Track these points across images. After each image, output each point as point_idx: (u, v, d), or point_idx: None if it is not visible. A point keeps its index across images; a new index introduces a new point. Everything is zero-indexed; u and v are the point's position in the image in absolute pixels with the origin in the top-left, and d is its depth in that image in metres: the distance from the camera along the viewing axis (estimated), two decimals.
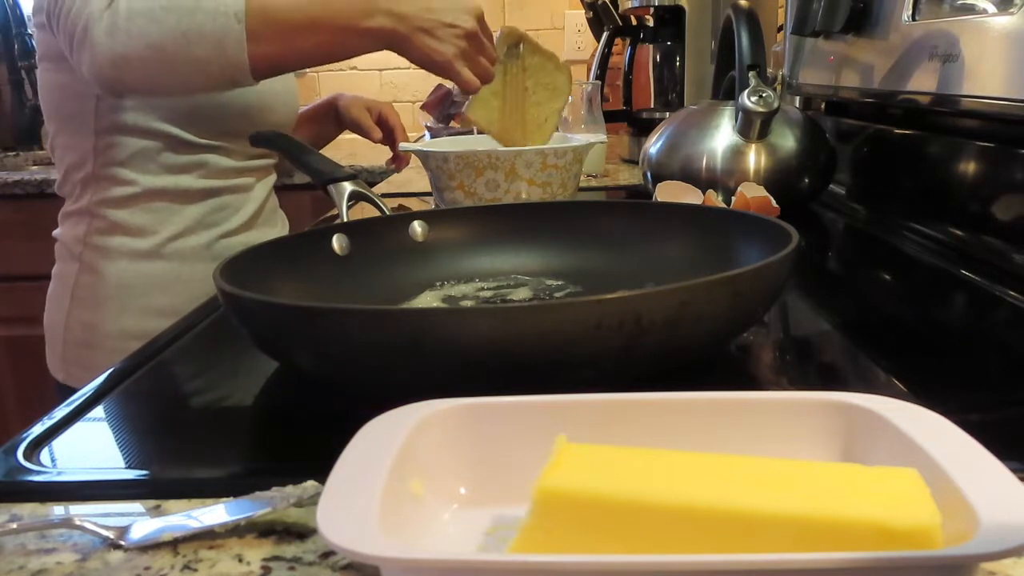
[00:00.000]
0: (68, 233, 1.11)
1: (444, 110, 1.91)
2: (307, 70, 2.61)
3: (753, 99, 0.98)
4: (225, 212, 1.13)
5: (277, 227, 1.24)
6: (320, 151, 1.36)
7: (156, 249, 1.08)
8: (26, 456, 0.45)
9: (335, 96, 1.41)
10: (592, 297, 0.44)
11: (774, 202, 0.90)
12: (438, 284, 0.71)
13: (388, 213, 0.80)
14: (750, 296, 0.50)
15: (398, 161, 1.44)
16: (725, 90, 1.11)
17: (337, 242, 0.69)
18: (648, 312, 0.44)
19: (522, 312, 0.45)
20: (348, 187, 0.83)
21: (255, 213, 1.17)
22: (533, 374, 0.44)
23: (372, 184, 1.66)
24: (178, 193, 1.08)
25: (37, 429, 0.49)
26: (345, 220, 0.80)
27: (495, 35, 1.03)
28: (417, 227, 0.74)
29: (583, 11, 1.84)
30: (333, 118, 1.40)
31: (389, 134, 1.39)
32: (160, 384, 0.59)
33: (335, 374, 0.50)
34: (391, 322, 0.45)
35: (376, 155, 2.20)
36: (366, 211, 0.84)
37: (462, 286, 0.71)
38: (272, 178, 1.24)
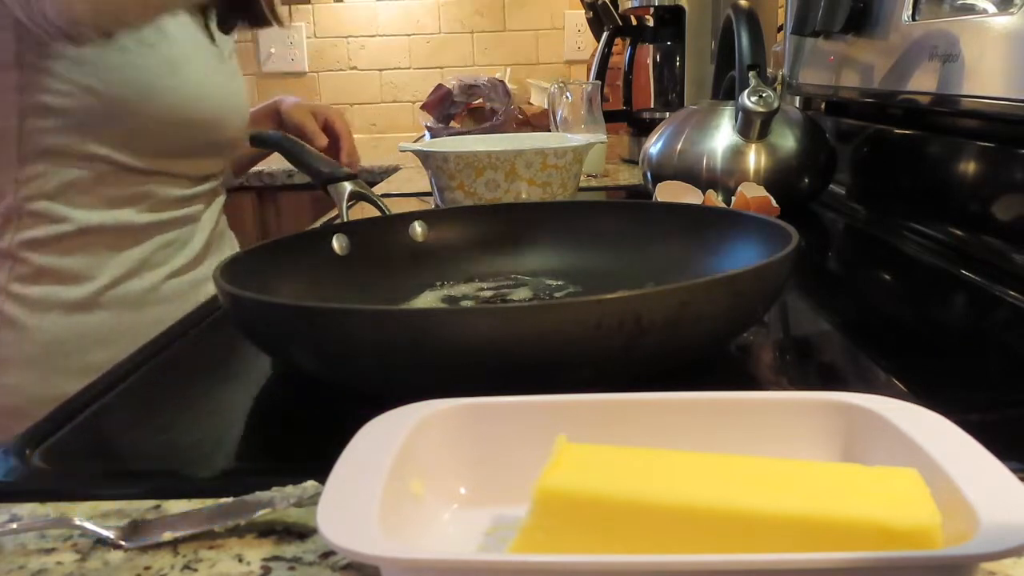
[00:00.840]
0: None
1: (444, 110, 1.91)
2: (307, 71, 2.61)
3: (753, 99, 0.98)
4: (171, 248, 0.98)
5: (226, 252, 1.09)
6: (265, 158, 1.31)
7: (93, 298, 0.92)
8: (26, 456, 0.45)
9: (277, 100, 1.29)
10: (592, 297, 0.44)
11: (774, 202, 0.90)
12: (438, 284, 0.71)
13: (388, 213, 0.80)
14: (750, 296, 0.50)
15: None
16: (725, 90, 1.11)
17: (337, 242, 0.69)
18: (648, 312, 0.44)
19: (522, 312, 0.45)
20: (348, 187, 0.83)
21: (205, 244, 1.04)
22: (533, 374, 0.44)
23: (372, 184, 1.67)
24: (118, 230, 0.93)
25: (37, 429, 0.49)
26: (345, 220, 0.80)
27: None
28: (417, 227, 0.74)
29: (583, 11, 1.85)
30: (276, 123, 1.26)
31: (335, 141, 1.27)
32: (160, 383, 0.59)
33: (336, 374, 0.50)
34: (392, 322, 0.45)
35: (376, 155, 2.20)
36: (367, 211, 0.84)
37: (462, 286, 0.71)
38: (221, 200, 1.11)
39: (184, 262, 1.00)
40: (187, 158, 0.98)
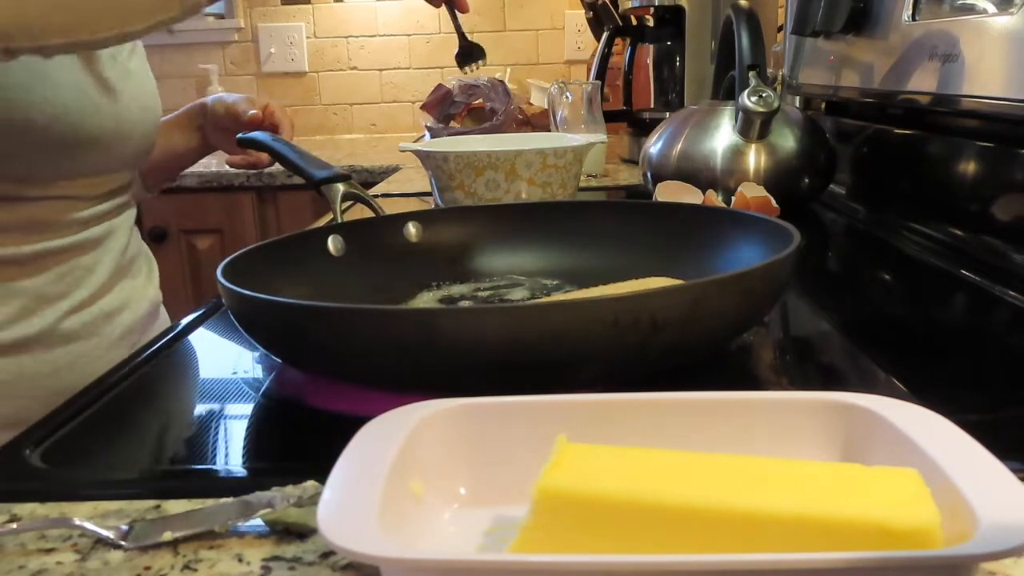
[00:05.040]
0: None
1: (444, 110, 1.91)
2: (307, 70, 2.61)
3: (753, 99, 0.98)
4: (74, 277, 0.82)
5: (141, 276, 0.94)
6: (193, 163, 1.12)
7: None
8: (26, 456, 0.45)
9: (202, 100, 1.08)
10: (610, 295, 0.44)
11: (774, 202, 0.90)
12: (434, 285, 0.71)
13: (382, 213, 0.80)
14: (759, 293, 0.50)
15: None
16: (725, 90, 1.11)
17: (332, 243, 0.69)
18: (663, 309, 0.45)
19: (539, 310, 0.45)
20: (341, 188, 0.82)
21: (115, 270, 0.88)
22: (547, 372, 0.45)
23: (371, 184, 1.67)
24: (5, 263, 0.77)
25: (37, 429, 0.49)
26: (339, 221, 0.80)
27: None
28: (411, 228, 0.74)
29: (583, 11, 1.85)
30: (198, 124, 1.07)
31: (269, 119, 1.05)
32: (160, 384, 0.59)
33: (347, 374, 0.50)
34: (406, 322, 0.45)
35: (376, 155, 2.20)
36: (366, 212, 0.84)
37: (459, 286, 0.71)
38: (131, 213, 0.93)
39: (90, 293, 0.84)
40: (76, 179, 0.81)
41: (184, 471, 0.45)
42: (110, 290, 0.87)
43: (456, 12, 1.03)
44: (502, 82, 1.85)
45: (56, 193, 0.79)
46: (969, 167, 0.82)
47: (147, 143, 0.90)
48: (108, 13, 0.60)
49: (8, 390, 0.77)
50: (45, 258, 0.80)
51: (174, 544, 0.37)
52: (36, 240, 0.79)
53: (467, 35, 1.13)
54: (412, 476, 0.35)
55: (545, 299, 0.64)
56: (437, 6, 0.99)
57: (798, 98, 1.28)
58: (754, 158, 1.00)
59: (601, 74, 1.62)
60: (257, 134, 0.95)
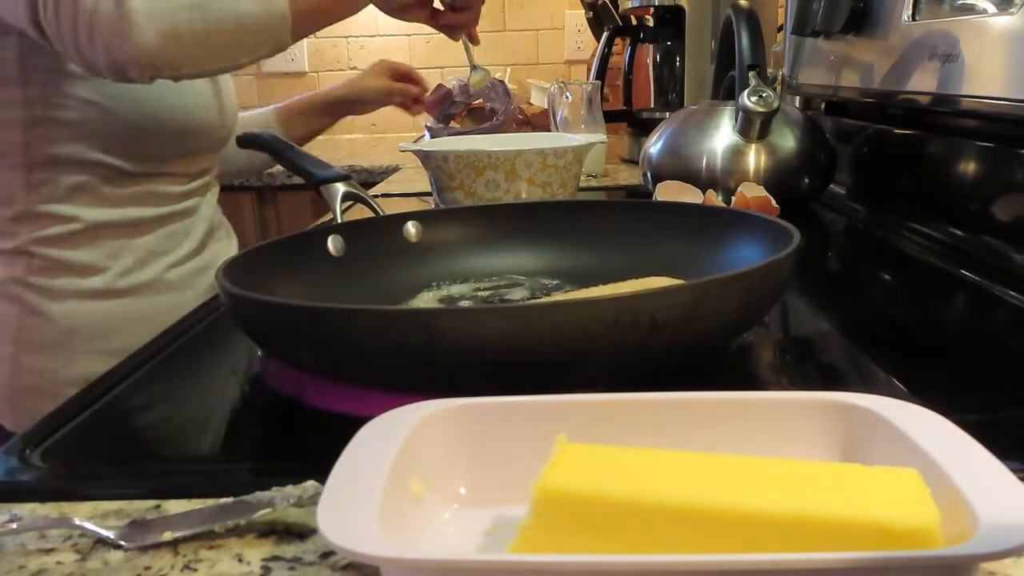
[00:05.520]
0: (1, 273, 1.00)
1: (444, 110, 1.91)
2: (307, 71, 2.61)
3: (753, 99, 0.98)
4: (176, 239, 1.07)
5: (223, 240, 1.19)
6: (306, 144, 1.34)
7: (107, 287, 1.00)
8: (26, 456, 0.45)
9: (331, 87, 1.46)
10: (610, 295, 0.44)
11: (774, 202, 0.90)
12: (434, 284, 0.71)
13: (382, 213, 0.80)
14: (760, 293, 0.50)
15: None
16: (725, 90, 1.11)
17: (332, 243, 0.69)
18: (663, 309, 0.44)
19: (539, 310, 0.45)
20: (341, 188, 0.82)
21: (205, 234, 1.12)
22: (548, 372, 0.44)
23: (371, 184, 1.67)
24: (126, 225, 1.02)
25: (37, 429, 0.49)
26: (339, 221, 0.80)
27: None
28: (411, 228, 0.73)
29: (583, 11, 1.85)
30: (324, 111, 1.45)
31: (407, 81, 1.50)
32: (160, 384, 0.59)
33: (346, 374, 0.50)
34: (407, 323, 0.45)
35: (376, 155, 2.20)
36: (366, 212, 0.84)
37: (459, 286, 0.71)
38: (215, 192, 1.18)
39: (187, 251, 1.08)
40: (182, 158, 1.05)
41: (184, 471, 0.45)
42: (201, 251, 1.11)
43: (469, 45, 1.25)
44: (502, 82, 1.85)
45: (168, 170, 1.04)
46: (969, 167, 0.82)
47: (231, 131, 1.13)
48: (226, 52, 0.89)
49: (122, 326, 1.00)
50: (156, 222, 1.04)
51: (174, 544, 0.37)
52: (151, 207, 1.03)
53: (476, 65, 1.40)
54: (412, 476, 0.35)
55: (545, 299, 0.64)
56: (456, 40, 1.19)
57: (798, 98, 1.28)
58: (754, 158, 1.00)
59: (601, 74, 1.62)
60: (258, 134, 0.96)
